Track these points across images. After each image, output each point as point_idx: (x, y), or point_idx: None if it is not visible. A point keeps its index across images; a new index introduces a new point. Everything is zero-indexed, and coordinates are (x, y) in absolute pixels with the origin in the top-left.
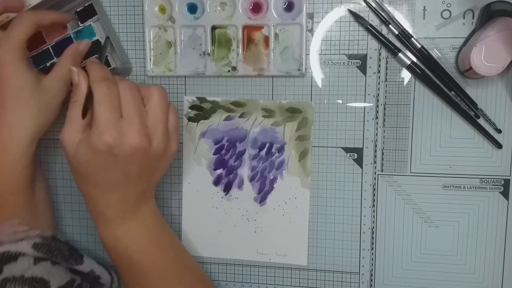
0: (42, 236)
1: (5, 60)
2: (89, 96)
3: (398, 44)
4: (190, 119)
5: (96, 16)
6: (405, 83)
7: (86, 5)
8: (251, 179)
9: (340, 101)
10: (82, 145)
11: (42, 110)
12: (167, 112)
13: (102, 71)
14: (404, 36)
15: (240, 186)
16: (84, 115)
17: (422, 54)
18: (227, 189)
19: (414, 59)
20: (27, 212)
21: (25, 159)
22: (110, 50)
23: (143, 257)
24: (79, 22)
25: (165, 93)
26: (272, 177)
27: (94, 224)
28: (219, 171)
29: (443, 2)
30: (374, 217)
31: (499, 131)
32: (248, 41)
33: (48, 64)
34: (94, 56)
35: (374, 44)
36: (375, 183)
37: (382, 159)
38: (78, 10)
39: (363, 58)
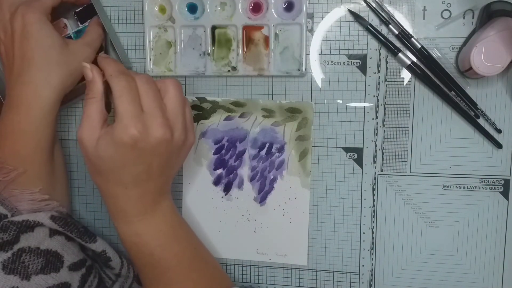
0: (59, 210)
1: (35, 19)
2: (105, 91)
3: (398, 44)
4: None
5: (95, 16)
6: (405, 83)
7: (85, 5)
8: (251, 179)
9: (340, 101)
10: (103, 141)
11: (69, 71)
12: (184, 105)
13: (118, 66)
14: (404, 36)
15: (240, 186)
16: (108, 110)
17: (422, 54)
18: (227, 189)
19: (414, 59)
20: (48, 181)
21: (49, 118)
22: (110, 49)
23: (164, 252)
24: (79, 23)
25: (181, 86)
26: (272, 177)
27: (112, 223)
28: (219, 171)
29: (443, 2)
30: (374, 217)
31: (499, 131)
32: (248, 41)
33: None
34: (102, 52)
35: (374, 44)
36: (375, 183)
37: (382, 159)
38: (77, 10)
39: (363, 58)
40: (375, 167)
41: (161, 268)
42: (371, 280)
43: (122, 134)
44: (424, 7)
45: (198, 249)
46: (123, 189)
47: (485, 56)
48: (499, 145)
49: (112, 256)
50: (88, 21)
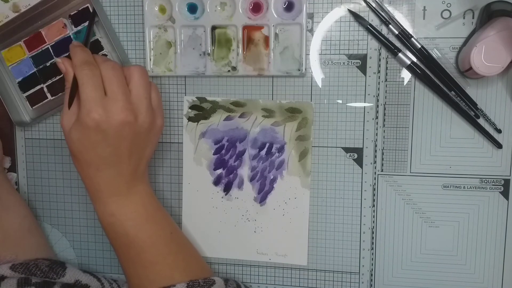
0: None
1: None
2: (75, 80)
3: (398, 44)
4: (190, 119)
5: (87, 21)
6: (405, 83)
7: (80, 8)
8: (251, 179)
9: (340, 101)
10: (74, 125)
11: None
12: (149, 90)
13: (82, 55)
14: (404, 36)
15: (240, 186)
16: (71, 99)
17: (422, 54)
18: (227, 189)
19: (414, 59)
20: None
21: None
22: (110, 49)
23: (139, 232)
24: (73, 26)
25: (145, 72)
26: (272, 177)
27: (93, 206)
28: (219, 171)
29: (443, 2)
30: (374, 217)
31: (499, 131)
32: (248, 41)
33: (48, 64)
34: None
35: (374, 44)
36: (375, 183)
37: (382, 159)
38: (72, 14)
39: (363, 58)
40: (375, 167)
41: (136, 249)
42: (371, 280)
43: (85, 118)
44: (424, 7)
45: (175, 234)
46: (95, 170)
47: (485, 56)
48: (499, 145)
49: (88, 282)
50: (83, 24)
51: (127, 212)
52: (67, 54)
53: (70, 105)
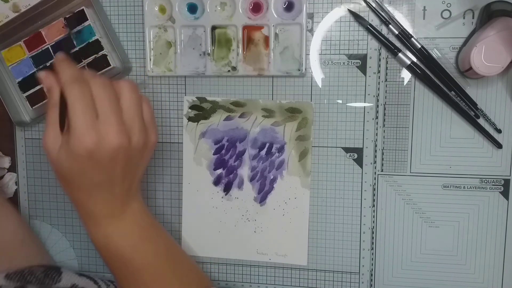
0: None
1: None
2: (63, 97)
3: (398, 44)
4: (190, 119)
5: (87, 21)
6: (405, 83)
7: (75, 11)
8: (251, 179)
9: (340, 101)
10: (62, 151)
11: None
12: (141, 105)
13: (71, 71)
14: (404, 36)
15: (240, 186)
16: (61, 118)
17: (422, 54)
18: (227, 189)
19: (414, 59)
20: None
21: None
22: (110, 49)
23: (135, 253)
24: (68, 29)
25: (136, 87)
26: (272, 177)
27: (86, 230)
28: (219, 171)
29: (443, 2)
30: (374, 217)
31: (499, 131)
32: (248, 41)
33: (48, 64)
34: (59, 52)
35: (374, 44)
36: (375, 183)
37: (382, 159)
38: (67, 16)
39: (363, 58)
40: (375, 167)
41: (133, 268)
42: (371, 280)
43: (77, 146)
44: (424, 7)
45: (172, 249)
46: (87, 195)
47: (485, 56)
48: (499, 145)
49: (85, 285)
50: (78, 27)
51: (122, 233)
52: (49, 63)
53: (62, 128)
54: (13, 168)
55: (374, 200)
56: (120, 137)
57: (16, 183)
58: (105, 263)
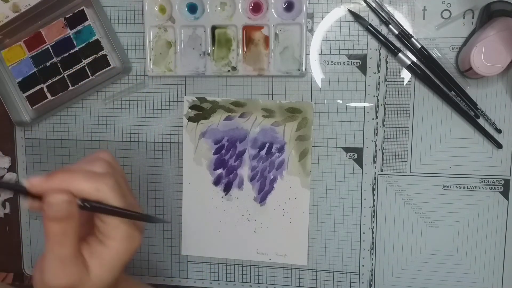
0: None
1: None
2: None
3: (398, 44)
4: (190, 119)
5: (87, 21)
6: (405, 83)
7: (75, 11)
8: (251, 179)
9: (340, 101)
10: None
11: None
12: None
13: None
14: (404, 36)
15: (240, 186)
16: None
17: (422, 54)
18: (227, 189)
19: (414, 59)
20: None
21: None
22: (110, 49)
23: None
24: (68, 29)
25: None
26: (272, 177)
27: None
28: (219, 171)
29: (443, 2)
30: (374, 217)
31: (499, 131)
32: (248, 41)
33: (47, 64)
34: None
35: (374, 44)
36: (375, 183)
37: (382, 159)
38: (67, 16)
39: (363, 58)
40: (375, 167)
41: None
42: (371, 280)
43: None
44: (424, 7)
45: None
46: None
47: (485, 56)
48: (499, 145)
49: None
50: (78, 27)
51: None
52: (49, 63)
53: None
54: (13, 168)
55: (374, 200)
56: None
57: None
58: None
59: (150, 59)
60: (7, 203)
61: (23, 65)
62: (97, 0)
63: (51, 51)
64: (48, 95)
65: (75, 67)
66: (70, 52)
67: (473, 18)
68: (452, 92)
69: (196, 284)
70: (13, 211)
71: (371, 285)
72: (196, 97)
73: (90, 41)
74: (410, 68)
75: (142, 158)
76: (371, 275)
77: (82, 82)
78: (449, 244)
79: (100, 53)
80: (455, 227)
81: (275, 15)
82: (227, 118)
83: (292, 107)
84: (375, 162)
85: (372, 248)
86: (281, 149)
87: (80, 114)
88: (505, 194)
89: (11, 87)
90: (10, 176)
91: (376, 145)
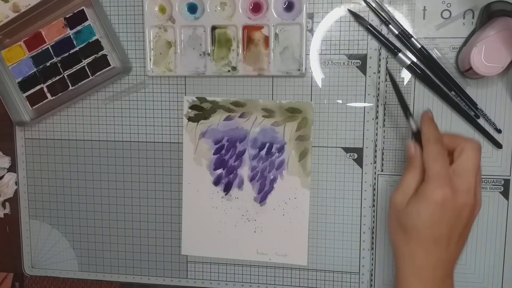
0: None
1: None
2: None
3: (398, 44)
4: (190, 119)
5: (87, 21)
6: (405, 83)
7: (75, 11)
8: (251, 179)
9: (340, 101)
10: (414, 199)
11: None
12: (480, 171)
13: (435, 132)
14: (404, 36)
15: (240, 186)
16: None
17: (422, 54)
18: (227, 189)
19: (414, 59)
20: None
21: None
22: (110, 49)
23: None
24: (68, 29)
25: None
26: (272, 177)
27: (398, 285)
28: (219, 171)
29: (443, 2)
30: (374, 217)
31: (499, 131)
32: (248, 41)
33: (47, 64)
34: (429, 109)
35: (374, 44)
36: (375, 183)
37: (382, 159)
38: (67, 16)
39: (363, 58)
40: (375, 167)
41: None
42: (371, 280)
43: (433, 192)
44: (424, 7)
45: None
46: (423, 251)
47: (485, 56)
48: (499, 145)
49: None
50: (78, 27)
51: None
52: (49, 63)
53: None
54: (13, 168)
55: (374, 200)
56: (471, 196)
57: (16, 183)
58: None
59: (150, 59)
60: (7, 203)
61: (23, 65)
62: (97, 0)
63: (51, 51)
64: (48, 95)
65: (75, 67)
66: (70, 52)
67: (473, 18)
68: (452, 92)
69: (196, 284)
70: (13, 211)
71: (371, 285)
72: (196, 97)
73: (90, 41)
74: (410, 68)
75: (142, 158)
76: (371, 275)
77: (82, 82)
78: None
79: (100, 53)
80: None
81: (275, 15)
82: (227, 118)
83: (292, 107)
84: (375, 162)
85: (372, 248)
86: (281, 149)
87: (80, 114)
88: (505, 194)
89: (11, 87)
90: (10, 176)
91: (376, 145)
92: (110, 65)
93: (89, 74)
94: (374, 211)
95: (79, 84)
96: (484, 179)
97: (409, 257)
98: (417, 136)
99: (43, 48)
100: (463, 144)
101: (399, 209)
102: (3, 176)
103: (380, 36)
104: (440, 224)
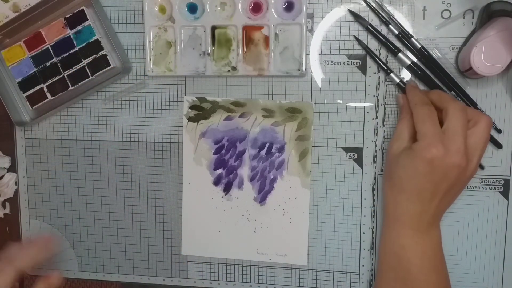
0: None
1: None
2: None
3: (398, 44)
4: (190, 119)
5: (87, 21)
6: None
7: (75, 11)
8: (251, 179)
9: (340, 101)
10: (406, 152)
11: None
12: (487, 143)
13: (421, 96)
14: (404, 36)
15: (240, 186)
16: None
17: (422, 54)
18: (227, 189)
19: (414, 59)
20: None
21: None
22: (110, 49)
23: (420, 275)
24: (68, 29)
25: (491, 125)
26: (272, 177)
27: (383, 228)
28: (219, 171)
29: (443, 2)
30: (374, 217)
31: (499, 131)
32: (248, 41)
33: (47, 64)
34: (411, 80)
35: (374, 44)
36: (375, 183)
37: (382, 159)
38: (67, 16)
39: (363, 58)
40: (375, 167)
41: (409, 284)
42: (371, 280)
43: (423, 150)
44: (424, 7)
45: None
46: (405, 199)
47: (485, 56)
48: (499, 145)
49: None
50: (78, 27)
51: (417, 250)
52: (49, 63)
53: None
54: (13, 168)
55: (374, 200)
56: (461, 157)
57: (16, 183)
58: (379, 263)
59: (150, 59)
60: (7, 203)
61: (23, 65)
62: (97, 0)
63: (51, 51)
64: (48, 95)
65: (75, 67)
66: (70, 52)
67: (473, 18)
68: (452, 92)
69: (196, 284)
70: (13, 211)
71: (371, 285)
72: (196, 97)
73: (90, 41)
74: (410, 68)
75: (142, 158)
76: (371, 275)
77: (82, 82)
78: (449, 244)
79: (100, 53)
80: (455, 227)
81: (275, 15)
82: (227, 118)
83: (292, 107)
84: (375, 162)
85: (372, 248)
86: (281, 149)
87: (80, 114)
88: (505, 194)
89: (11, 87)
90: (10, 176)
91: (376, 145)
92: (110, 65)
93: (89, 74)
94: (374, 211)
95: (79, 84)
96: (484, 179)
97: (391, 203)
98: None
99: (43, 48)
100: (446, 105)
101: (391, 157)
102: (3, 176)
103: (380, 36)
104: (424, 179)
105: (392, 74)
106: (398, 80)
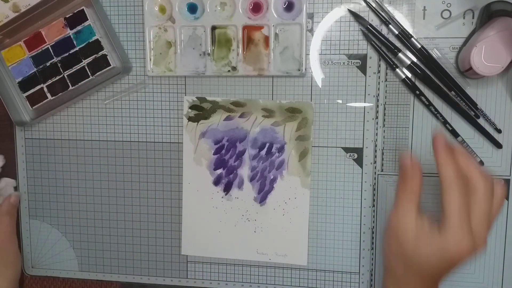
0: None
1: None
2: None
3: (398, 44)
4: (190, 119)
5: (87, 21)
6: None
7: (75, 11)
8: (251, 179)
9: (340, 101)
10: (428, 240)
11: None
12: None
13: (456, 168)
14: (404, 36)
15: (240, 186)
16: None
17: (422, 54)
18: (227, 189)
19: (414, 59)
20: None
21: None
22: (110, 49)
23: None
24: (68, 29)
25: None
26: (272, 177)
27: None
28: (219, 171)
29: (443, 2)
30: (374, 217)
31: (499, 131)
32: (248, 41)
33: (48, 64)
34: (438, 130)
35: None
36: (375, 183)
37: (382, 159)
38: (67, 16)
39: (363, 58)
40: (375, 167)
41: None
42: (371, 280)
43: (452, 248)
44: (424, 7)
45: None
46: (419, 282)
47: (485, 56)
48: (499, 145)
49: None
50: (78, 27)
51: None
52: (49, 63)
53: None
54: (13, 168)
55: (374, 200)
56: (471, 251)
57: (15, 188)
58: None
59: (150, 59)
60: None
61: (23, 65)
62: (97, 0)
63: (51, 51)
64: (48, 95)
65: (75, 67)
66: (70, 52)
67: (473, 18)
68: (452, 92)
69: (196, 284)
70: None
71: (371, 285)
72: (196, 97)
73: (90, 41)
74: (410, 68)
75: (142, 158)
76: (371, 275)
77: (82, 82)
78: None
79: (100, 53)
80: None
81: (275, 15)
82: (227, 118)
83: (292, 107)
84: (375, 162)
85: (372, 248)
86: (281, 149)
87: (80, 114)
88: None
89: (11, 87)
90: (6, 182)
91: (376, 145)
92: (110, 65)
93: (89, 74)
94: (374, 211)
95: (79, 84)
96: None
97: (403, 283)
98: (410, 67)
99: (43, 48)
100: (473, 176)
101: (405, 237)
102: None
103: (380, 36)
104: (441, 269)
105: (397, 70)
106: (403, 76)
